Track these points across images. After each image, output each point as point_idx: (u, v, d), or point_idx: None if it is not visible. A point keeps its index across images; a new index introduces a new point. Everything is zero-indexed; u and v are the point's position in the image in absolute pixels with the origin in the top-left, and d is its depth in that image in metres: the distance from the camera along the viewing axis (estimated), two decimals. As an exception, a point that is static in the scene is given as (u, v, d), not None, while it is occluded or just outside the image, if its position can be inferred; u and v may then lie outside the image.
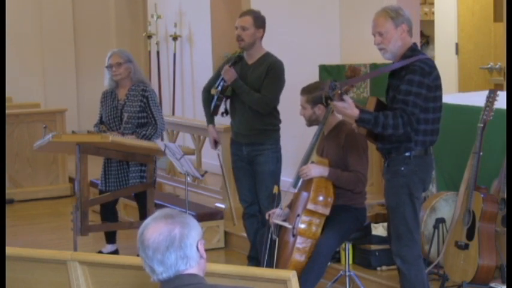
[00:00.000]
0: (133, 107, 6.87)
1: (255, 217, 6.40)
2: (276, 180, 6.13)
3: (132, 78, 6.92)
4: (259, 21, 6.28)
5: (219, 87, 6.30)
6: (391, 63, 5.05)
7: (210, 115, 6.53)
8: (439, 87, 4.92)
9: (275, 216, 5.55)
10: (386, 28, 4.89)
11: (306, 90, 5.69)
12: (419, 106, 4.80)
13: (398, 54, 4.93)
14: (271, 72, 6.23)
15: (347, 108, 4.73)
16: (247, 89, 6.23)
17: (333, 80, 4.86)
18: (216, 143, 6.62)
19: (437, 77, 4.90)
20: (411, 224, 4.97)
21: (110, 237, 7.22)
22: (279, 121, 6.39)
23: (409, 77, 4.81)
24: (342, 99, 4.71)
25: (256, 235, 6.25)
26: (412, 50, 4.93)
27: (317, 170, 5.44)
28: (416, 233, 5.00)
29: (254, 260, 6.32)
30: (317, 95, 5.60)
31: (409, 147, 4.90)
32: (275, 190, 5.78)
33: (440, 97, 4.95)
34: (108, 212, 7.15)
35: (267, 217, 5.67)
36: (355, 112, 4.73)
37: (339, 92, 4.67)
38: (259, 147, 6.30)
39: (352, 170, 5.45)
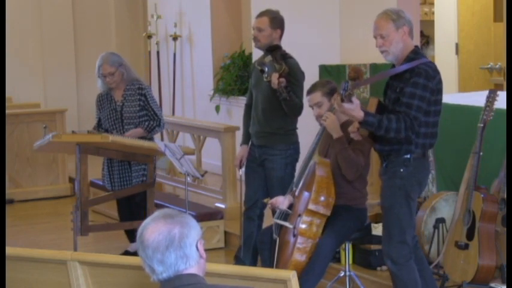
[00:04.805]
0: (133, 107, 6.86)
1: (252, 220, 6.32)
2: (286, 186, 5.85)
3: (125, 79, 6.90)
4: (276, 22, 6.15)
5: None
6: (391, 64, 5.06)
7: (247, 134, 6.38)
8: (440, 91, 4.93)
9: (276, 215, 5.55)
10: (387, 30, 4.89)
11: (319, 86, 5.63)
12: (423, 110, 4.82)
13: (400, 56, 4.93)
14: (292, 77, 6.05)
15: (353, 110, 4.74)
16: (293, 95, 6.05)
17: (345, 80, 4.85)
18: (241, 163, 6.41)
19: (440, 81, 4.92)
20: (405, 225, 4.96)
21: (133, 236, 7.18)
22: (292, 125, 6.21)
23: (415, 80, 4.82)
24: (350, 101, 4.73)
25: (249, 239, 6.24)
26: (416, 53, 4.94)
27: (335, 124, 5.41)
28: (408, 235, 4.99)
29: (240, 261, 6.30)
30: (331, 86, 5.58)
31: (409, 149, 4.90)
32: (266, 200, 5.83)
33: (440, 101, 4.96)
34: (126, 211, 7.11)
35: (269, 206, 5.69)
36: (361, 114, 4.75)
37: (349, 93, 4.68)
38: (268, 151, 6.19)
39: None
